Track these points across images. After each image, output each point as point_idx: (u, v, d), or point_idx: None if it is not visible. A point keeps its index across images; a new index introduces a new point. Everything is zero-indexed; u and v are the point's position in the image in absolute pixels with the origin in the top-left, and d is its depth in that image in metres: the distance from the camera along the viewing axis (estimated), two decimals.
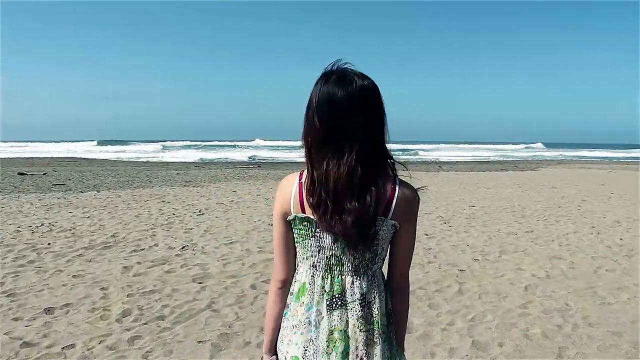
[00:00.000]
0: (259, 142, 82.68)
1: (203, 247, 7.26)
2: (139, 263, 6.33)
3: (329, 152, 1.53)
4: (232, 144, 74.36)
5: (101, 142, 70.21)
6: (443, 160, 40.76)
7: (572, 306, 4.88)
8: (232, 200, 12.38)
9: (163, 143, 68.71)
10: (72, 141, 71.95)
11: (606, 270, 6.19)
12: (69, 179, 17.92)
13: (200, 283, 5.55)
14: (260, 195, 13.70)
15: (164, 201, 12.17)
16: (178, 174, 21.67)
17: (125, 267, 6.13)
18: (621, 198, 13.83)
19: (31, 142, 72.06)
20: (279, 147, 66.59)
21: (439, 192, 14.99)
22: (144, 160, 39.24)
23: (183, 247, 7.24)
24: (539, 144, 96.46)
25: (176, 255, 6.81)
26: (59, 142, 71.93)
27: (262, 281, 5.61)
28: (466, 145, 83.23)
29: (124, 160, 38.47)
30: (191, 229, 8.65)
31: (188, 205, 11.52)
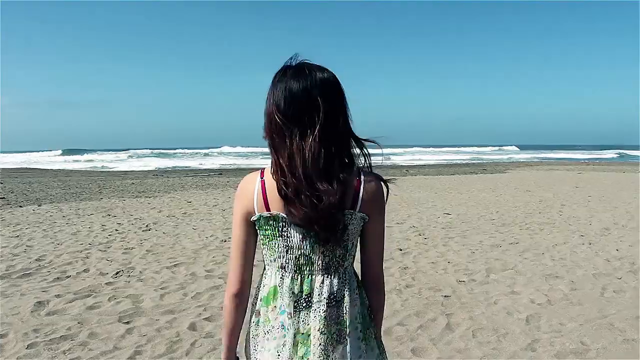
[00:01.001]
0: (225, 149, 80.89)
1: (141, 272, 6.15)
2: (58, 296, 5.20)
3: (292, 143, 1.43)
4: (197, 151, 72.32)
5: (66, 152, 67.19)
6: (408, 164, 39.86)
7: (590, 346, 3.91)
8: (185, 213, 11.21)
9: (130, 151, 66.29)
10: (36, 151, 69.09)
11: (614, 291, 5.28)
12: (11, 192, 16.44)
13: (127, 323, 4.46)
14: (217, 205, 12.54)
15: (109, 215, 10.96)
16: (132, 183, 20.30)
17: (39, 302, 4.99)
18: (600, 201, 13.15)
19: None
20: (243, 153, 65.06)
21: (410, 198, 14.08)
22: (101, 169, 37.57)
23: (117, 273, 6.12)
24: (512, 147, 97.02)
25: (107, 283, 5.70)
26: (21, 152, 69.04)
27: (205, 319, 4.53)
28: (432, 149, 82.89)
29: (79, 169, 36.56)
30: (132, 248, 7.50)
31: (135, 219, 10.32)
